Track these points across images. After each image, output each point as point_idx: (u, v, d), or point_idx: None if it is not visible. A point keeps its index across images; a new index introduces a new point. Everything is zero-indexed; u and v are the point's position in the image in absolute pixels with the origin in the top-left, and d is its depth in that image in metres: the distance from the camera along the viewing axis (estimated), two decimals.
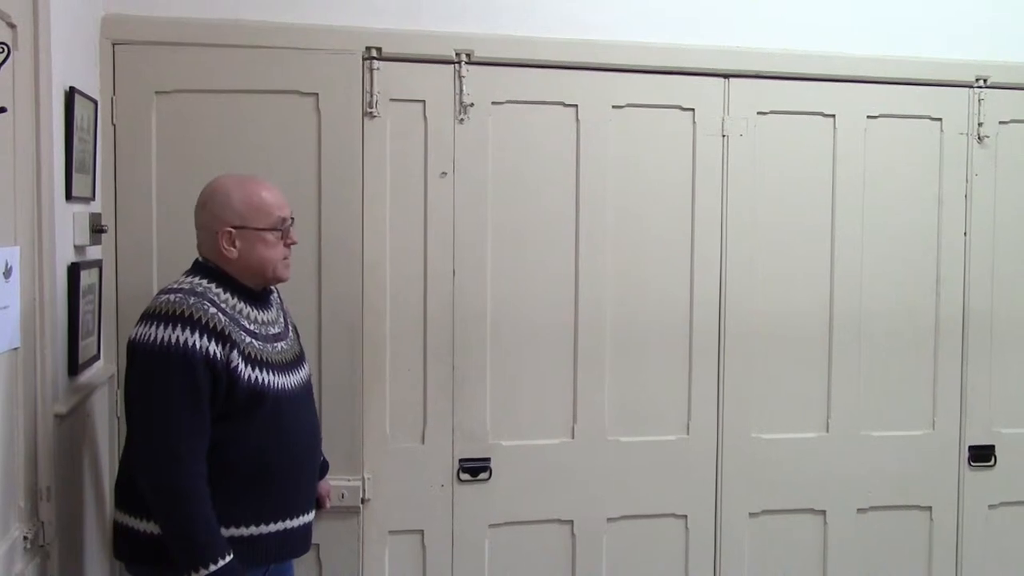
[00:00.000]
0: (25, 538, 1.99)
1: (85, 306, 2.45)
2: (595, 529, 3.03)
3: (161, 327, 2.06)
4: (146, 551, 2.15)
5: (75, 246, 2.42)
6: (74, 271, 2.36)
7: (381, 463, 2.85)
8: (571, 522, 3.02)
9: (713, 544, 3.11)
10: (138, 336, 2.09)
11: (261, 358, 2.20)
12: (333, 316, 2.77)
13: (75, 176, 2.37)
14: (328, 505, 2.65)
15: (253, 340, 2.20)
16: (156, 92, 2.69)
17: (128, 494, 2.19)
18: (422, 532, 2.92)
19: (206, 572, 2.02)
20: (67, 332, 2.34)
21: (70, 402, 2.29)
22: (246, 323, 2.21)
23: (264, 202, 2.23)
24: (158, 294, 2.18)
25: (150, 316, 2.10)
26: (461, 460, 2.92)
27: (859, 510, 3.20)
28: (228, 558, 2.06)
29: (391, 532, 2.89)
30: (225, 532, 2.12)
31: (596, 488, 3.02)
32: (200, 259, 2.27)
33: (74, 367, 2.37)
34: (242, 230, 2.21)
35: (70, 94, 2.33)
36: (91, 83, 2.59)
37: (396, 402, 2.87)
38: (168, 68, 2.70)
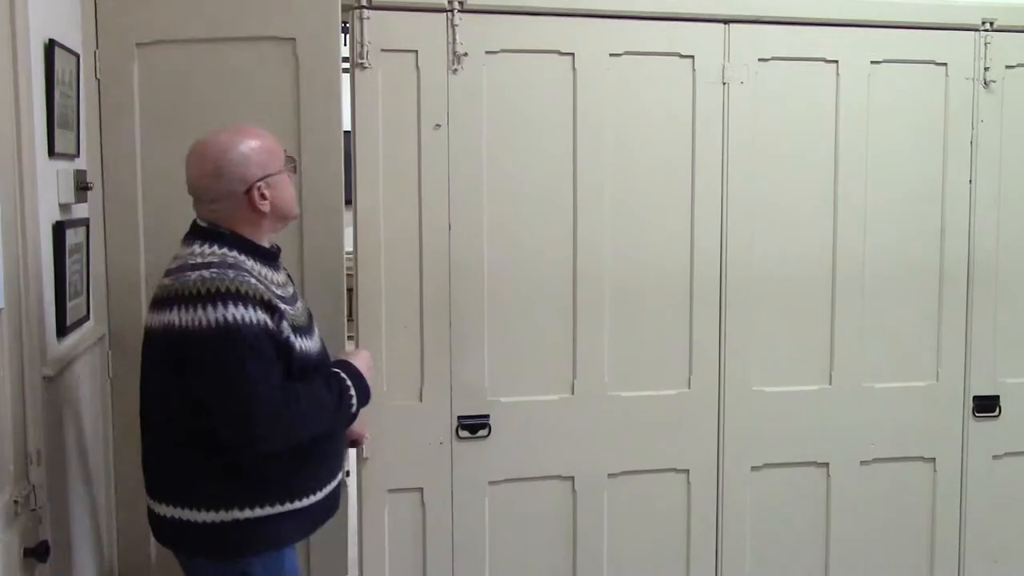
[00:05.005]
0: (15, 502, 1.96)
1: (72, 266, 2.40)
2: (596, 485, 3.01)
3: (210, 308, 1.94)
4: (201, 541, 2.09)
5: (60, 204, 2.37)
6: (59, 230, 2.31)
7: (379, 421, 2.81)
8: (572, 478, 3.00)
9: (715, 498, 3.09)
10: (185, 322, 1.95)
11: (297, 324, 2.11)
12: (319, 271, 2.72)
13: (57, 132, 2.31)
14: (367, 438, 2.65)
15: (287, 307, 2.10)
16: (137, 44, 2.62)
17: (167, 485, 2.11)
18: (421, 490, 2.90)
19: (354, 406, 2.15)
20: (54, 293, 2.30)
21: (59, 364, 2.25)
22: (275, 289, 2.10)
23: (272, 144, 2.14)
24: (181, 271, 2.02)
25: (191, 298, 1.95)
26: (460, 417, 2.89)
27: (862, 462, 3.18)
28: (348, 388, 2.14)
29: (390, 491, 2.87)
30: (282, 508, 2.08)
31: (596, 444, 2.99)
32: (206, 225, 2.11)
33: (62, 328, 2.33)
34: (267, 179, 2.09)
35: (50, 47, 2.26)
36: (73, 36, 2.52)
37: (393, 359, 2.83)
38: (148, 18, 2.61)
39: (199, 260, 2.02)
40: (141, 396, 2.15)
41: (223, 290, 1.95)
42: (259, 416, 1.96)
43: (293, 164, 2.19)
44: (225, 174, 2.06)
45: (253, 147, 2.09)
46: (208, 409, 1.98)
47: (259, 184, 2.08)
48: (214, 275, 1.97)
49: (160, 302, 2.02)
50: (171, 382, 2.03)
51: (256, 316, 1.97)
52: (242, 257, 2.07)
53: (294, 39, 2.65)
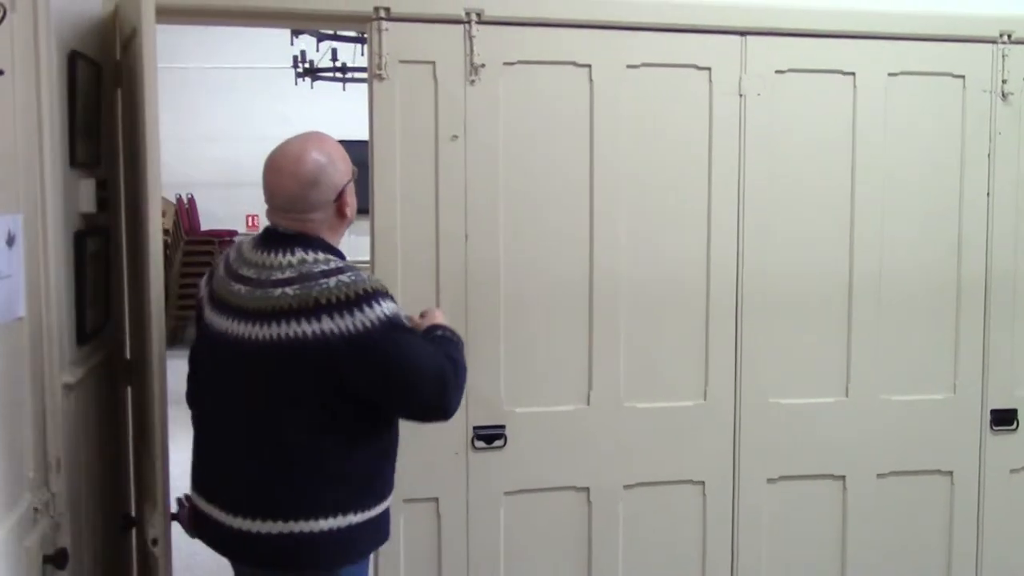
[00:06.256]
0: (35, 509, 1.97)
1: (92, 274, 2.41)
2: (611, 496, 3.00)
3: (366, 309, 1.96)
4: (320, 552, 2.06)
5: (81, 213, 2.38)
6: (80, 238, 2.32)
7: None
8: (587, 489, 2.99)
9: (731, 510, 3.08)
10: (347, 328, 1.95)
11: None
12: None
13: (79, 142, 2.33)
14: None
15: None
16: (122, 46, 2.61)
17: (289, 500, 2.04)
18: (437, 500, 2.90)
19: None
20: (74, 301, 2.31)
21: (79, 371, 2.26)
22: None
23: (343, 149, 2.14)
24: (307, 279, 1.99)
25: (343, 304, 1.95)
26: (475, 428, 2.89)
27: (879, 475, 3.16)
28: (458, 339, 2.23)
29: (405, 500, 2.87)
30: (381, 507, 2.14)
31: (612, 455, 2.99)
32: (294, 233, 2.08)
33: (82, 336, 2.34)
34: (349, 184, 2.13)
35: (71, 57, 2.28)
36: (95, 47, 2.54)
37: None
38: (125, 15, 2.59)
39: (322, 267, 2.01)
40: (241, 414, 2.08)
41: (370, 290, 1.98)
42: (451, 384, 2.07)
43: (356, 173, 2.19)
44: (322, 183, 2.06)
45: (338, 155, 2.11)
46: (391, 400, 2.07)
47: (346, 189, 2.11)
48: (353, 278, 1.99)
49: (294, 312, 1.97)
50: (330, 390, 2.00)
51: (396, 306, 2.04)
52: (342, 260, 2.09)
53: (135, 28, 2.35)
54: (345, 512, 2.06)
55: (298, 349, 1.96)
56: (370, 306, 1.96)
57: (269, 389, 2.03)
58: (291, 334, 1.96)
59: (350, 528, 2.07)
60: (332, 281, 1.97)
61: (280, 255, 2.04)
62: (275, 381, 2.01)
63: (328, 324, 1.95)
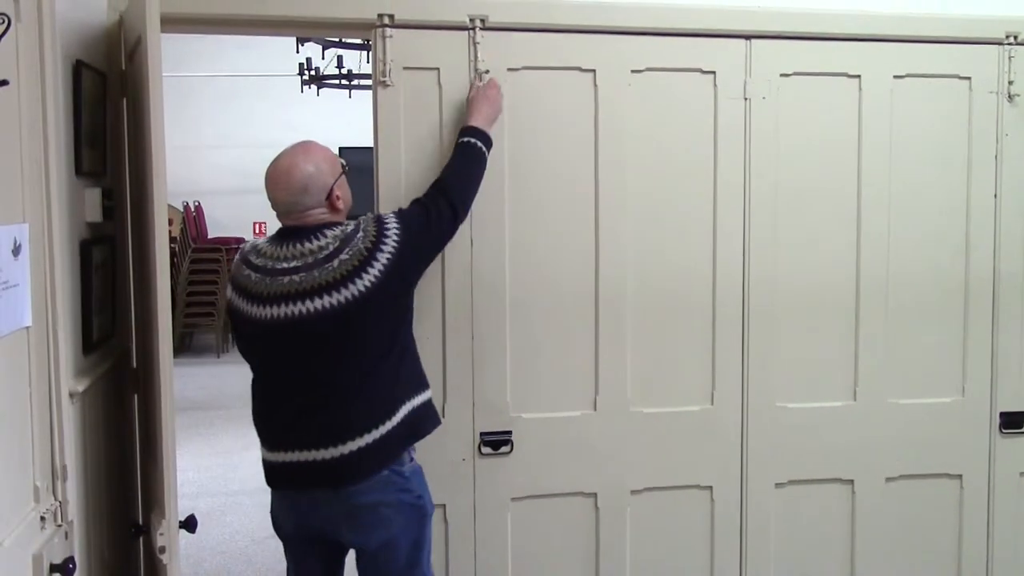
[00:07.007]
0: (42, 518, 1.97)
1: (98, 283, 2.42)
2: (619, 501, 3.00)
3: (386, 229, 2.43)
4: (401, 438, 2.46)
5: (87, 222, 2.39)
6: (86, 248, 2.33)
7: None
8: (594, 495, 2.98)
9: (739, 515, 3.07)
10: (389, 252, 2.40)
11: None
12: None
13: (84, 151, 2.33)
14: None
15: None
16: (128, 57, 2.61)
17: (376, 410, 2.42)
18: (444, 506, 2.89)
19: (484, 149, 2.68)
20: (80, 310, 2.31)
21: (85, 380, 2.26)
22: None
23: (330, 152, 2.54)
24: (346, 242, 2.40)
25: (377, 239, 2.41)
26: (482, 434, 2.89)
27: (888, 479, 3.15)
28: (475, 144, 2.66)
29: None
30: (429, 391, 2.57)
31: (619, 460, 2.98)
32: (305, 224, 2.46)
33: (88, 345, 2.34)
34: (336, 182, 2.49)
35: (77, 67, 2.29)
36: (100, 57, 2.55)
37: None
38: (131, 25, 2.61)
39: (349, 229, 2.44)
40: (313, 374, 2.43)
41: (376, 218, 2.48)
42: (454, 213, 2.57)
43: (347, 166, 2.57)
44: (312, 188, 2.44)
45: (322, 159, 2.48)
46: (432, 256, 2.61)
47: (334, 187, 2.48)
48: (366, 221, 2.45)
49: (359, 268, 2.38)
50: (409, 294, 2.50)
51: (391, 212, 2.55)
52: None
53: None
54: (411, 398, 2.49)
55: (380, 286, 2.39)
56: (387, 224, 2.45)
57: (350, 339, 2.41)
58: (368, 284, 2.38)
59: (415, 410, 2.49)
60: (359, 235, 2.42)
61: (312, 241, 2.42)
62: (362, 328, 2.41)
63: (383, 257, 2.40)
